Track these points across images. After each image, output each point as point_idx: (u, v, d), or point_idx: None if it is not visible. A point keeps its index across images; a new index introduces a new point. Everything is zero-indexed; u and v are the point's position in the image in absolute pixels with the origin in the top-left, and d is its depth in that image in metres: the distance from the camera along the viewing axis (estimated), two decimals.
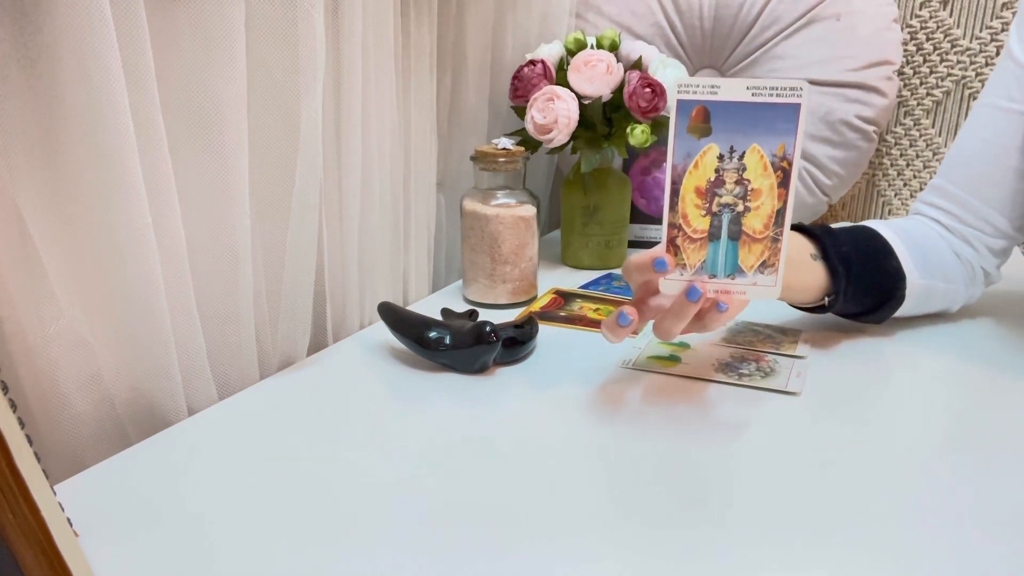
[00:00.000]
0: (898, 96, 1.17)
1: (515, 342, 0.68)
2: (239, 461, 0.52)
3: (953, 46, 1.14)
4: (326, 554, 0.43)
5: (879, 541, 0.44)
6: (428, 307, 0.79)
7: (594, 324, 0.79)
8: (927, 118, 1.18)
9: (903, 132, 1.20)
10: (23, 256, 0.49)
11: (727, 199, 0.55)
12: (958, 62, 1.14)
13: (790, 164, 0.54)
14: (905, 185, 1.22)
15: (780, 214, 0.55)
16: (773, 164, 0.54)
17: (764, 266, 0.56)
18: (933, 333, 0.76)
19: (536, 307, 0.83)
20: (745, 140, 0.54)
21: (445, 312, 0.74)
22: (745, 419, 0.59)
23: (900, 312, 0.74)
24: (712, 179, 0.55)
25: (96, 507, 0.47)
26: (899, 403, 0.63)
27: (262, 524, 0.46)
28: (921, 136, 1.19)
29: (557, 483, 0.50)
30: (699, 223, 0.56)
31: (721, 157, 0.54)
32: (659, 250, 0.57)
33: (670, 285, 0.57)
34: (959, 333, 0.76)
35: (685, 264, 0.57)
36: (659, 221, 1.07)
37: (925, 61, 1.16)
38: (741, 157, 0.54)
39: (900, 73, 1.15)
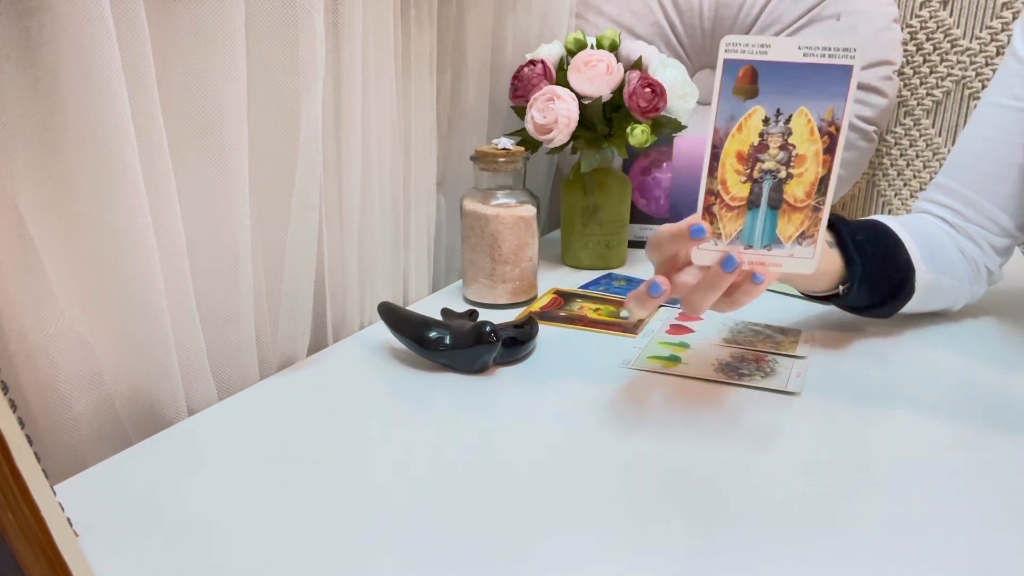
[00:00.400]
0: (898, 96, 1.17)
1: (515, 342, 0.68)
2: (239, 461, 0.52)
3: (953, 46, 1.14)
4: (326, 554, 0.43)
5: (879, 541, 0.44)
6: (428, 307, 0.79)
7: (594, 324, 0.79)
8: (927, 118, 1.18)
9: (903, 132, 1.20)
10: (23, 256, 0.49)
11: (770, 165, 0.53)
12: (958, 62, 1.14)
13: (838, 129, 0.52)
14: (905, 185, 1.22)
15: (824, 182, 0.53)
16: (820, 129, 0.52)
17: (803, 237, 0.54)
18: (934, 332, 0.76)
19: (536, 307, 0.83)
20: (793, 103, 0.51)
21: (445, 312, 0.74)
22: (745, 419, 0.59)
23: (907, 307, 0.74)
24: (755, 143, 0.52)
25: (96, 507, 0.47)
26: (899, 403, 0.63)
27: (262, 524, 0.46)
28: (921, 136, 1.19)
29: (557, 483, 0.50)
30: (739, 190, 0.53)
31: (767, 120, 0.52)
32: (695, 217, 0.54)
33: (704, 256, 0.55)
34: (960, 332, 0.76)
35: (720, 234, 0.54)
36: (659, 221, 1.07)
37: (925, 61, 1.16)
38: (788, 121, 0.52)
39: (900, 73, 1.15)
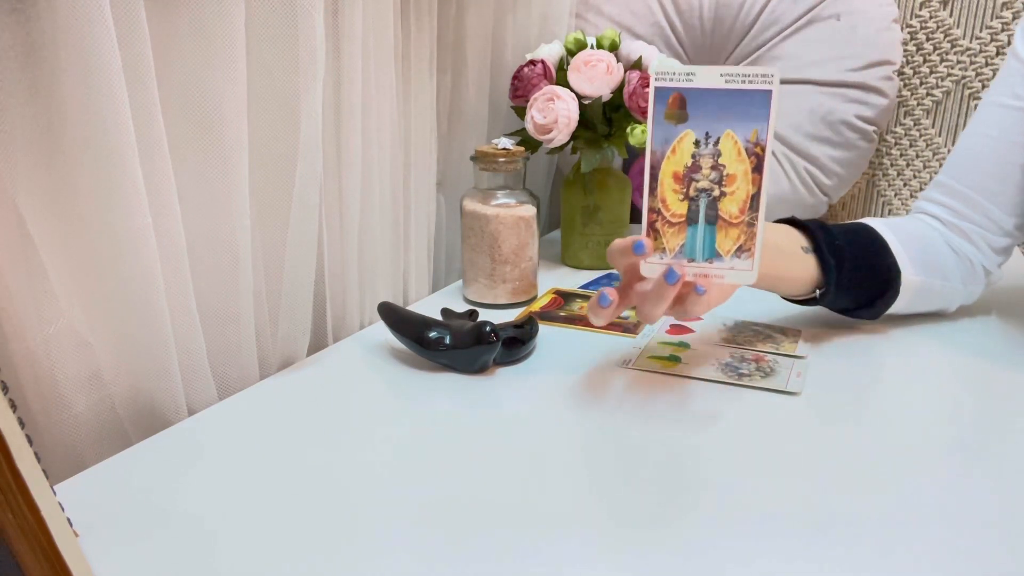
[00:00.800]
0: (898, 96, 1.17)
1: (515, 342, 0.68)
2: (239, 461, 0.52)
3: (953, 46, 1.14)
4: (326, 554, 0.43)
5: (879, 541, 0.44)
6: (428, 307, 0.79)
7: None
8: (927, 118, 1.18)
9: (903, 132, 1.20)
10: (23, 256, 0.49)
11: (703, 184, 0.56)
12: (958, 62, 1.14)
13: (763, 150, 0.55)
14: (905, 185, 1.22)
15: (755, 199, 0.56)
16: (747, 150, 0.55)
17: (740, 250, 0.57)
18: (934, 332, 0.76)
19: (536, 307, 0.83)
20: (719, 126, 0.55)
21: (445, 312, 0.74)
22: (745, 419, 0.59)
23: (895, 309, 0.74)
24: (689, 164, 0.56)
25: (96, 507, 0.47)
26: (899, 403, 0.63)
27: (262, 524, 0.46)
28: (921, 136, 1.19)
29: (557, 483, 0.50)
30: (677, 207, 0.57)
31: (697, 143, 0.56)
32: (639, 235, 0.58)
33: (651, 268, 0.58)
34: (960, 332, 0.76)
35: (665, 248, 0.58)
36: None
37: (925, 61, 1.16)
38: (716, 143, 0.55)
39: (900, 73, 1.15)
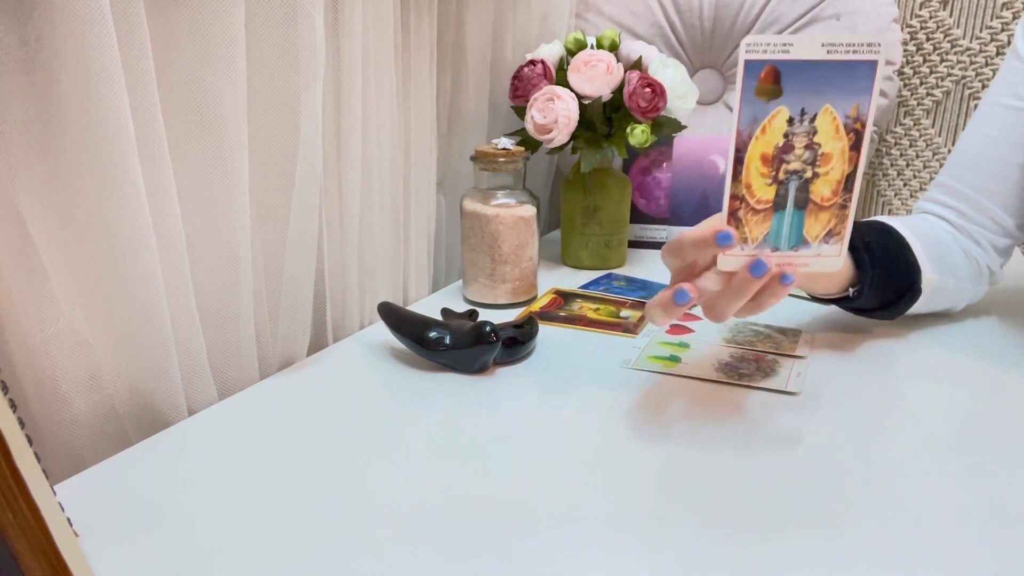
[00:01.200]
0: (898, 96, 1.17)
1: (515, 342, 0.68)
2: (239, 461, 0.52)
3: (953, 46, 1.14)
4: (326, 554, 0.43)
5: (879, 541, 0.44)
6: (428, 307, 0.79)
7: (594, 324, 0.79)
8: (927, 118, 1.18)
9: (903, 132, 1.20)
10: (23, 256, 0.49)
11: (795, 165, 0.51)
12: (958, 62, 1.14)
13: (864, 125, 0.51)
14: (905, 185, 1.22)
15: (850, 179, 0.52)
16: (846, 126, 0.51)
17: (829, 235, 0.54)
18: (934, 332, 0.76)
19: (536, 307, 0.83)
20: (818, 101, 0.50)
21: (445, 312, 0.74)
22: (745, 419, 0.59)
23: (911, 309, 0.73)
24: (780, 145, 0.51)
25: (96, 507, 0.47)
26: (899, 403, 0.63)
27: (262, 524, 0.46)
28: (921, 136, 1.19)
29: (557, 483, 0.50)
30: (764, 192, 0.52)
31: (791, 120, 0.50)
32: (719, 223, 0.53)
33: (730, 261, 0.53)
34: (960, 332, 0.76)
35: (747, 238, 0.53)
36: (659, 221, 1.07)
37: (925, 61, 1.16)
38: (812, 120, 0.50)
39: (900, 73, 1.15)
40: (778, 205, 0.52)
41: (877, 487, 0.50)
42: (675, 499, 0.48)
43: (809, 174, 0.52)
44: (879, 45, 0.49)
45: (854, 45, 0.49)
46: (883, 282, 0.69)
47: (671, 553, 0.43)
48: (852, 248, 0.67)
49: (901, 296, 0.71)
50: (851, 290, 0.69)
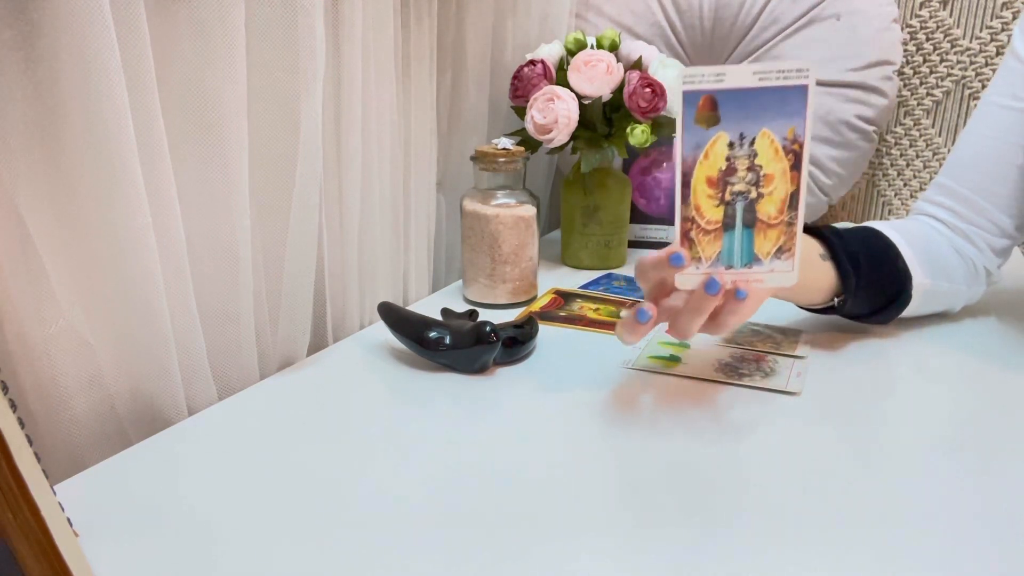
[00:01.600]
0: (898, 96, 1.17)
1: (515, 342, 0.68)
2: (239, 461, 0.52)
3: (953, 46, 1.14)
4: (326, 554, 0.43)
5: (879, 541, 0.44)
6: (428, 307, 0.79)
7: (594, 324, 0.79)
8: (927, 118, 1.18)
9: (903, 132, 1.20)
10: (23, 256, 0.49)
11: (740, 187, 0.54)
12: (958, 62, 1.14)
13: (801, 146, 0.53)
14: (905, 185, 1.22)
15: (794, 197, 0.55)
16: (784, 148, 0.53)
17: (780, 251, 0.56)
18: (934, 333, 0.76)
19: (536, 307, 0.83)
20: (754, 126, 0.53)
21: (445, 312, 0.74)
22: (745, 419, 0.59)
23: (905, 312, 0.74)
24: (723, 168, 0.54)
25: (96, 507, 0.47)
26: (899, 403, 0.63)
27: (262, 524, 0.46)
28: (921, 136, 1.19)
29: (557, 483, 0.50)
30: (713, 214, 0.55)
31: (731, 145, 0.53)
32: (673, 245, 0.56)
33: (687, 280, 0.56)
34: (960, 332, 0.76)
35: (700, 258, 0.56)
36: (659, 221, 1.07)
37: (925, 61, 1.16)
38: (752, 143, 0.53)
39: (900, 73, 1.15)
40: (727, 225, 0.55)
41: (877, 487, 0.50)
42: (675, 499, 0.48)
43: (754, 194, 0.55)
44: (808, 70, 0.52)
45: (784, 71, 0.52)
46: (872, 289, 0.70)
47: (671, 553, 0.43)
48: (834, 258, 0.68)
49: (891, 301, 0.72)
50: (836, 300, 0.70)
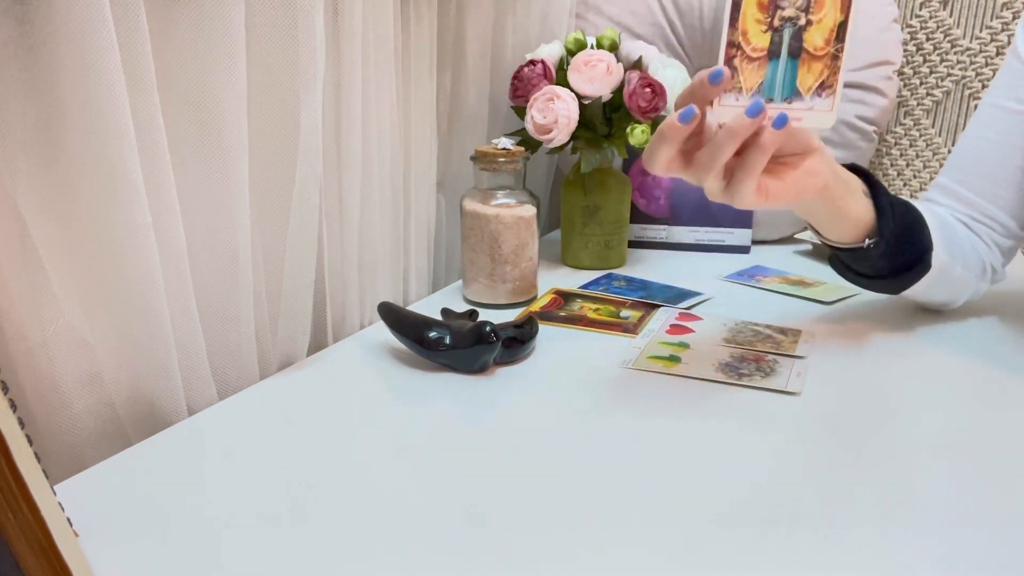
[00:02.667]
0: (898, 96, 1.17)
1: (515, 342, 0.68)
2: (239, 461, 0.52)
3: (953, 46, 1.14)
4: (325, 554, 0.43)
5: (880, 541, 0.44)
6: (428, 307, 0.79)
7: (594, 324, 0.79)
8: (927, 118, 1.18)
9: (903, 132, 1.20)
10: (23, 256, 0.49)
11: (790, 12, 0.52)
12: (958, 62, 1.14)
13: None
14: (905, 185, 1.22)
15: (842, 27, 0.53)
16: None
17: (822, 88, 0.54)
18: (934, 332, 0.76)
19: (536, 307, 0.83)
20: None
21: (445, 312, 0.74)
22: (745, 419, 0.59)
23: (915, 289, 0.72)
24: None
25: (96, 507, 0.47)
26: (899, 403, 0.63)
27: (262, 524, 0.46)
28: (921, 136, 1.19)
29: (557, 483, 0.50)
30: (759, 40, 0.53)
31: None
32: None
33: (726, 112, 0.53)
34: (961, 333, 0.76)
35: (741, 88, 0.53)
36: (659, 221, 1.07)
37: (925, 61, 1.16)
38: None
39: (900, 73, 1.15)
40: (772, 53, 0.53)
41: (877, 487, 0.50)
42: (675, 499, 0.48)
43: (803, 21, 0.53)
44: None
45: None
46: (896, 247, 0.68)
47: (671, 552, 0.43)
48: (875, 197, 0.66)
49: (910, 266, 0.70)
50: (868, 241, 0.67)
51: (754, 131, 0.52)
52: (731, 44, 0.53)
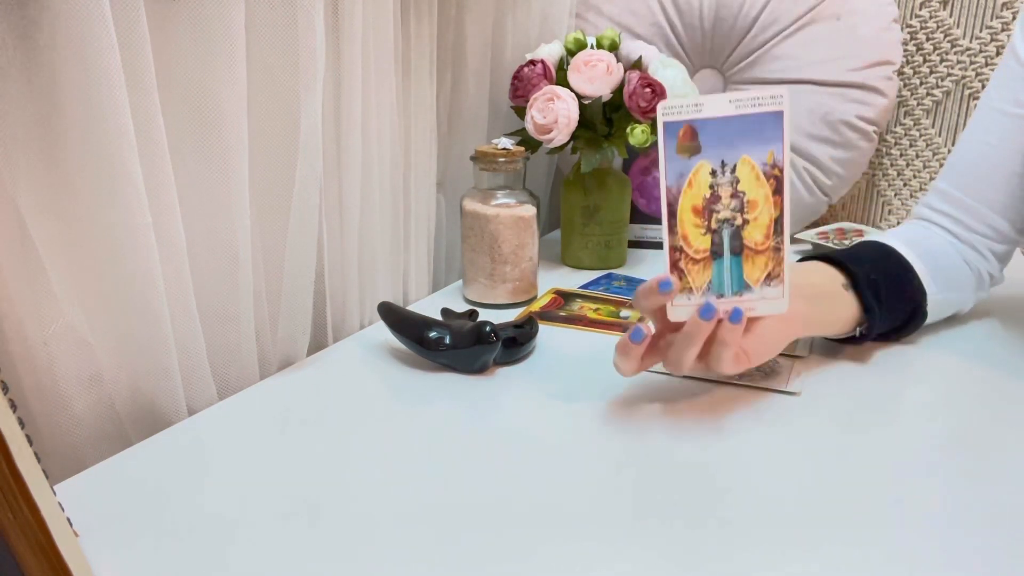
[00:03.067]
0: (898, 96, 1.17)
1: (515, 342, 0.68)
2: (239, 461, 0.52)
3: (953, 46, 1.14)
4: (325, 554, 0.43)
5: (879, 541, 0.44)
6: (428, 307, 0.79)
7: (594, 324, 0.79)
8: (927, 118, 1.18)
9: (903, 132, 1.20)
10: (23, 256, 0.49)
11: (725, 214, 0.55)
12: (958, 62, 1.14)
13: (781, 171, 0.54)
14: (905, 185, 1.22)
15: (778, 222, 0.55)
16: (765, 173, 0.54)
17: (770, 278, 0.56)
18: (934, 334, 0.76)
19: (536, 307, 0.83)
20: (734, 153, 0.54)
21: (445, 312, 0.74)
22: (745, 419, 0.59)
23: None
24: (708, 196, 0.55)
25: (96, 507, 0.47)
26: (899, 403, 0.63)
27: (262, 524, 0.46)
28: (921, 136, 1.19)
29: (557, 483, 0.50)
30: (700, 242, 0.55)
31: (714, 173, 0.54)
32: (663, 274, 0.56)
33: (679, 311, 0.56)
34: (961, 335, 0.76)
35: (692, 288, 0.56)
36: (659, 221, 1.07)
37: (925, 61, 1.16)
38: (733, 170, 0.54)
39: (900, 73, 1.15)
40: (715, 253, 0.56)
41: (876, 487, 0.50)
42: (675, 499, 0.48)
43: (739, 221, 0.55)
44: (782, 96, 0.53)
45: (758, 98, 0.53)
46: (891, 313, 0.69)
47: (670, 552, 0.43)
48: (856, 287, 0.67)
49: (908, 321, 0.72)
50: (859, 330, 0.68)
51: (714, 327, 0.55)
52: (673, 248, 0.56)
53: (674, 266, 0.56)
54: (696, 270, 0.56)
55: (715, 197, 0.55)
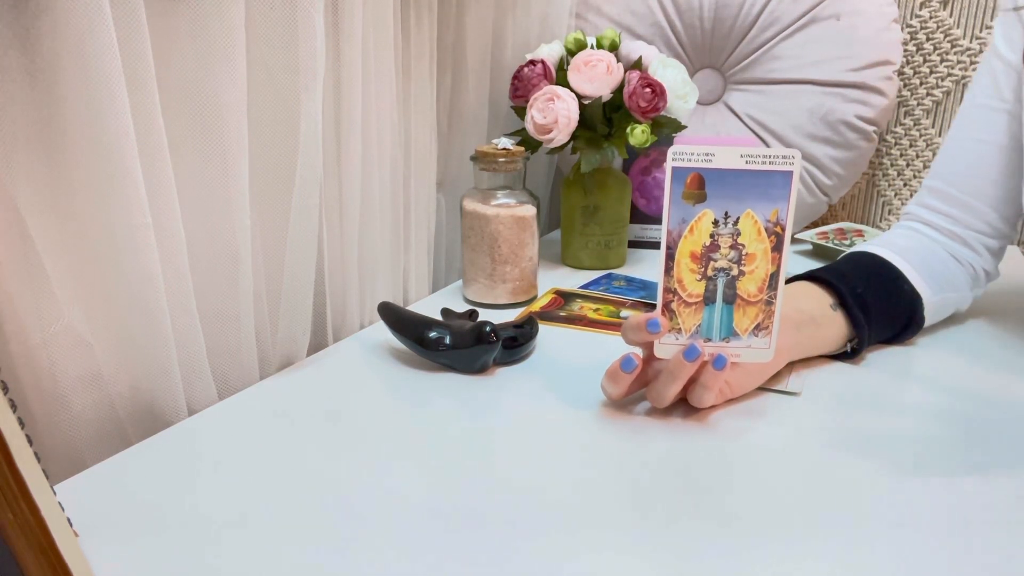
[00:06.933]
0: (898, 96, 1.17)
1: (515, 342, 0.68)
2: (239, 461, 0.52)
3: (953, 46, 1.14)
4: (325, 554, 0.43)
5: (879, 540, 0.44)
6: (428, 307, 0.79)
7: (594, 324, 0.79)
8: (927, 118, 1.18)
9: (903, 132, 1.20)
10: (23, 256, 0.49)
11: (722, 263, 0.55)
12: (958, 62, 1.14)
13: (783, 229, 0.55)
14: (905, 185, 1.22)
15: (774, 277, 0.56)
16: (767, 229, 0.55)
17: (758, 329, 0.57)
18: (934, 334, 0.76)
19: (536, 307, 0.83)
20: (739, 206, 0.54)
21: (445, 312, 0.74)
22: (745, 419, 0.59)
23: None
24: (707, 244, 0.55)
25: (96, 507, 0.47)
26: (899, 403, 0.63)
27: (262, 524, 0.46)
28: (921, 136, 1.19)
29: (557, 483, 0.50)
30: (694, 287, 0.56)
31: (716, 222, 0.55)
32: (654, 312, 0.57)
33: (665, 349, 0.57)
34: (961, 334, 0.77)
35: (680, 328, 0.57)
36: (659, 221, 1.07)
37: (925, 61, 1.16)
38: (736, 222, 0.55)
39: (900, 73, 1.15)
40: (708, 299, 0.56)
41: (876, 487, 0.50)
42: (675, 499, 0.48)
43: (735, 272, 0.56)
44: (793, 157, 0.53)
45: (770, 157, 0.53)
46: (883, 325, 0.70)
47: (670, 552, 0.43)
48: (844, 306, 0.68)
49: (906, 328, 0.72)
50: (849, 345, 0.69)
51: (697, 367, 0.56)
52: (667, 290, 0.56)
53: (666, 307, 0.57)
54: (687, 313, 0.57)
55: (714, 246, 0.55)
